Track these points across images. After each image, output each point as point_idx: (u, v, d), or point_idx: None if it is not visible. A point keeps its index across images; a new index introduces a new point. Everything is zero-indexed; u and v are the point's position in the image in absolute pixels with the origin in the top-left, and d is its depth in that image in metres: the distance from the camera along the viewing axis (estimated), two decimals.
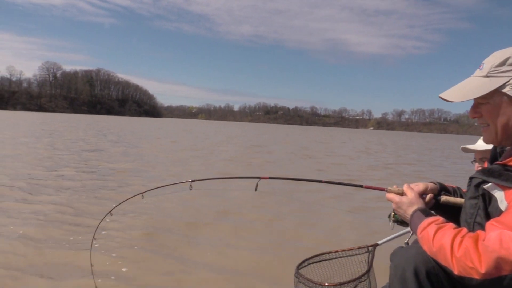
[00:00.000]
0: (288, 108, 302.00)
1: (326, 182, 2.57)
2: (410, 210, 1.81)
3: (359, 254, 3.24)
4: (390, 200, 1.92)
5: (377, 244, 3.24)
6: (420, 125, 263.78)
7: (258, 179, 2.57)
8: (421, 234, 1.64)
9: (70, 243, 5.06)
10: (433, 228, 1.60)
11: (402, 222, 1.98)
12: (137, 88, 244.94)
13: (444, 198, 1.93)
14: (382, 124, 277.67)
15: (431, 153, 31.83)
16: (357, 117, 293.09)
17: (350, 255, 3.33)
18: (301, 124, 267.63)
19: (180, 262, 4.91)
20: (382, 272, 3.59)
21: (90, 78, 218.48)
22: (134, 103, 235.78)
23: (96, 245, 4.24)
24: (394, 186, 2.03)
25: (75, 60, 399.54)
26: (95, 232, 3.63)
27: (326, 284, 3.00)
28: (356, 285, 2.95)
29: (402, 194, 1.92)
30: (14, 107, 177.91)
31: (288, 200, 9.49)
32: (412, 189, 1.89)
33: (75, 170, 11.35)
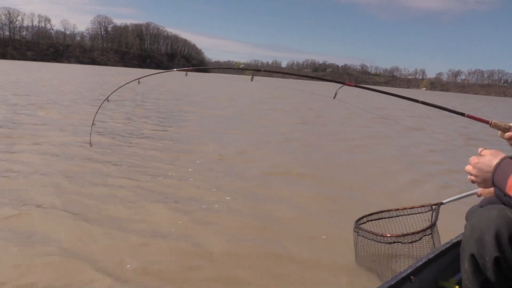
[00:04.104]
0: (337, 66, 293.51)
1: (423, 102, 2.23)
2: (495, 161, 1.56)
3: (421, 212, 3.21)
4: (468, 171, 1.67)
5: (442, 203, 3.16)
6: (477, 87, 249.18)
7: (341, 85, 2.23)
8: None
9: None
10: None
11: None
12: (185, 42, 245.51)
13: None
14: (436, 84, 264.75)
15: None
16: (410, 77, 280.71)
17: (411, 214, 3.26)
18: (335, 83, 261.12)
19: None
20: (444, 232, 3.64)
21: (140, 32, 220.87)
22: (183, 58, 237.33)
23: None
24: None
25: (125, 14, 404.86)
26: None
27: (388, 235, 2.96)
28: (421, 238, 3.07)
29: (508, 130, 1.75)
30: (68, 60, 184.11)
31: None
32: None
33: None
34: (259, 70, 2.67)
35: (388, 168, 7.64)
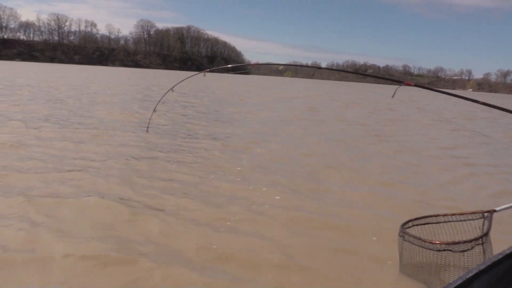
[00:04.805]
0: (379, 67, 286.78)
1: (483, 103, 2.15)
2: None
3: (471, 220, 2.97)
4: None
5: (495, 211, 2.95)
6: None
7: (399, 84, 2.25)
8: None
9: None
10: None
11: None
12: (225, 45, 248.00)
13: None
14: (483, 85, 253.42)
15: None
16: (455, 77, 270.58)
17: (460, 220, 3.01)
18: (392, 84, 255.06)
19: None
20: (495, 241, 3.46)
21: (181, 35, 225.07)
22: (222, 60, 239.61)
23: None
24: None
25: (167, 18, 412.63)
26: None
27: (437, 242, 2.76)
28: (473, 247, 2.90)
29: None
30: (113, 63, 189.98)
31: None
32: None
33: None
34: (320, 68, 2.90)
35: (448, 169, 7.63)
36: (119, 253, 3.60)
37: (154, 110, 5.44)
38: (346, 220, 4.63)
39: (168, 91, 4.85)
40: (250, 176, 6.16)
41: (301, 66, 4.07)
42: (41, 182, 5.54)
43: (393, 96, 2.08)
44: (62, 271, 3.40)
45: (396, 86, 2.11)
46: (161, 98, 5.29)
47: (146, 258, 3.52)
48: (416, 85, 2.09)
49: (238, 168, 6.54)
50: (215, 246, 3.87)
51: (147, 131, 8.58)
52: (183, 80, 5.00)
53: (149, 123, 6.82)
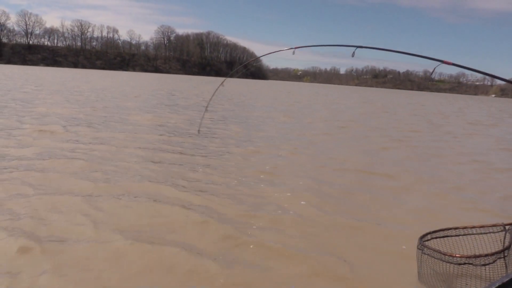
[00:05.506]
0: (398, 72, 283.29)
1: None
2: None
3: (492, 232, 3.01)
4: None
5: None
6: None
7: (439, 63, 2.39)
8: None
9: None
10: None
11: None
12: (244, 50, 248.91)
13: None
14: (507, 91, 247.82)
15: None
16: (477, 83, 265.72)
17: (480, 233, 3.06)
18: (411, 89, 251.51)
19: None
20: None
21: (200, 41, 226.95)
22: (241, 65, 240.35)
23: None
24: None
25: (187, 24, 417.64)
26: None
27: (458, 255, 2.78)
28: (494, 260, 2.87)
29: None
30: (133, 68, 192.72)
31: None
32: None
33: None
34: (360, 47, 3.10)
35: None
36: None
37: (206, 110, 5.58)
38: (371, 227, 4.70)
39: (218, 87, 5.18)
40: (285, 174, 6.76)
41: (340, 45, 3.90)
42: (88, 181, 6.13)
43: (431, 74, 2.25)
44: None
45: (436, 63, 2.36)
46: (212, 96, 5.56)
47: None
48: (454, 64, 2.34)
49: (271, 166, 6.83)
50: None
51: (198, 133, 8.75)
52: (230, 73, 5.47)
53: (201, 122, 6.95)
